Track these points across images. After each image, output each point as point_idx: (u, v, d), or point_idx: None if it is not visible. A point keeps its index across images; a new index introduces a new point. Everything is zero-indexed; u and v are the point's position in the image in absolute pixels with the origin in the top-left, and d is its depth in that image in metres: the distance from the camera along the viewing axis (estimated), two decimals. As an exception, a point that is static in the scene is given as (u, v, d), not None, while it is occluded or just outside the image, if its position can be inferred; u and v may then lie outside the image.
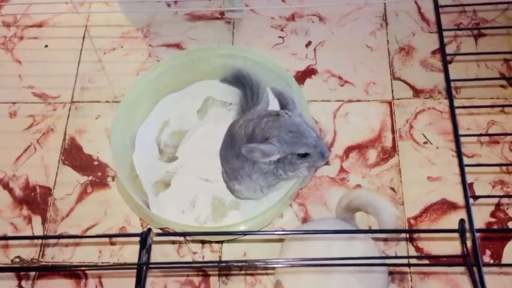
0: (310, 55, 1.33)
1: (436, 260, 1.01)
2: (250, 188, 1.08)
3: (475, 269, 0.64)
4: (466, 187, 0.66)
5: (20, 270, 1.11)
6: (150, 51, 1.36)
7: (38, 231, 1.16)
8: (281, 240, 1.11)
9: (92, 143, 1.25)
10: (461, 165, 0.66)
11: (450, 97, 0.68)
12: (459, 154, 0.66)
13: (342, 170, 1.19)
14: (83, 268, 1.04)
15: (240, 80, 1.15)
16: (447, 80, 0.70)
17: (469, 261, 0.64)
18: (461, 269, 1.07)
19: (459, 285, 1.06)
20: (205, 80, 1.27)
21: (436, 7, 0.76)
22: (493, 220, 1.12)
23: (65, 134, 1.27)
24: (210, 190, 1.16)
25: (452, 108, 0.68)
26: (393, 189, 1.16)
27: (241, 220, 1.09)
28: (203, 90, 1.27)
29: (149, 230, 0.64)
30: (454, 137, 0.66)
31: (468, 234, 0.65)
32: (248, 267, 1.08)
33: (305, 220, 1.13)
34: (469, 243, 0.68)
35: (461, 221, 0.64)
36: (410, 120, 1.23)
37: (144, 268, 0.62)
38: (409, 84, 1.28)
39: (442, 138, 1.21)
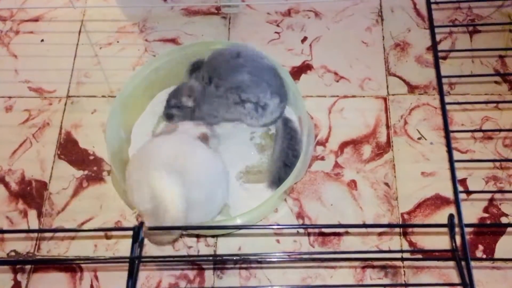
0: (305, 51, 1.33)
1: (428, 255, 1.02)
2: None
3: (464, 263, 0.65)
4: (456, 182, 0.67)
5: (16, 263, 1.11)
6: (146, 46, 1.36)
7: (34, 225, 1.16)
8: (276, 235, 1.11)
9: (88, 137, 1.26)
10: (451, 161, 0.66)
11: (441, 93, 0.68)
12: (449, 150, 0.67)
13: (336, 165, 1.19)
14: (77, 262, 1.04)
15: None
16: (438, 76, 0.71)
17: (458, 255, 0.64)
18: (453, 263, 1.08)
19: (452, 280, 1.07)
20: (200, 75, 1.27)
21: (428, 3, 0.77)
22: (486, 215, 1.13)
23: (61, 128, 1.27)
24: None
25: (443, 104, 0.68)
26: (387, 184, 1.16)
27: (235, 215, 1.10)
28: (199, 85, 1.27)
29: (142, 224, 0.65)
30: (444, 132, 0.67)
31: (457, 229, 0.66)
32: (243, 261, 1.09)
33: (299, 214, 1.14)
34: (459, 238, 0.68)
35: (451, 216, 0.65)
36: (404, 116, 1.24)
37: (136, 262, 0.62)
38: (404, 80, 1.28)
39: (436, 133, 1.21)
